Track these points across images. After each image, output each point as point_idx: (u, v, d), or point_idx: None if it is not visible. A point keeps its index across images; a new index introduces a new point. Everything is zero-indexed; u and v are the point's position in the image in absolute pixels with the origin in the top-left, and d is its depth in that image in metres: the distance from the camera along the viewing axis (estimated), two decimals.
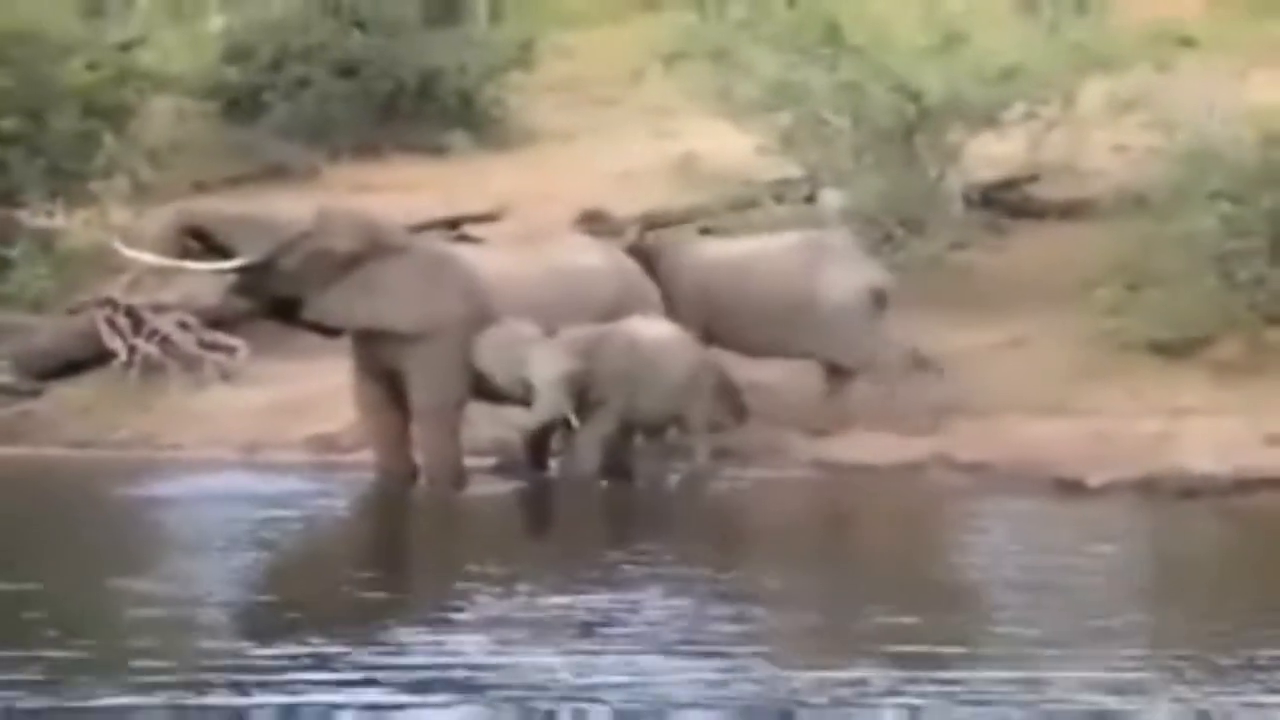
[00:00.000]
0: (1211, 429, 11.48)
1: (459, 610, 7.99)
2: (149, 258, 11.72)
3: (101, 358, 13.48)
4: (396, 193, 15.76)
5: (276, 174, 16.97)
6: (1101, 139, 14.27)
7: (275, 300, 11.66)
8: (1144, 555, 10.09)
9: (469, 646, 7.34)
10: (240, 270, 11.47)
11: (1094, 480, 11.21)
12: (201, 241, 11.50)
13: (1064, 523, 10.64)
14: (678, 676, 6.93)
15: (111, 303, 13.50)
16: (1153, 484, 11.18)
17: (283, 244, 11.39)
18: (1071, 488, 11.21)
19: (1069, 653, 7.32)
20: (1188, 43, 15.60)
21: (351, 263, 11.49)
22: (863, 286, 12.17)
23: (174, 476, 11.83)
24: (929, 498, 11.39)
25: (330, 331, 11.84)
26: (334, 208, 11.96)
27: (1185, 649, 7.30)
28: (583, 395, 11.38)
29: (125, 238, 13.34)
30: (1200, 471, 11.11)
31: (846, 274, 12.22)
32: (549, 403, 11.28)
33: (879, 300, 12.23)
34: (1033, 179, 14.78)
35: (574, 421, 11.32)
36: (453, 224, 14.71)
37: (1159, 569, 9.68)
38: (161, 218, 12.34)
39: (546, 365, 11.26)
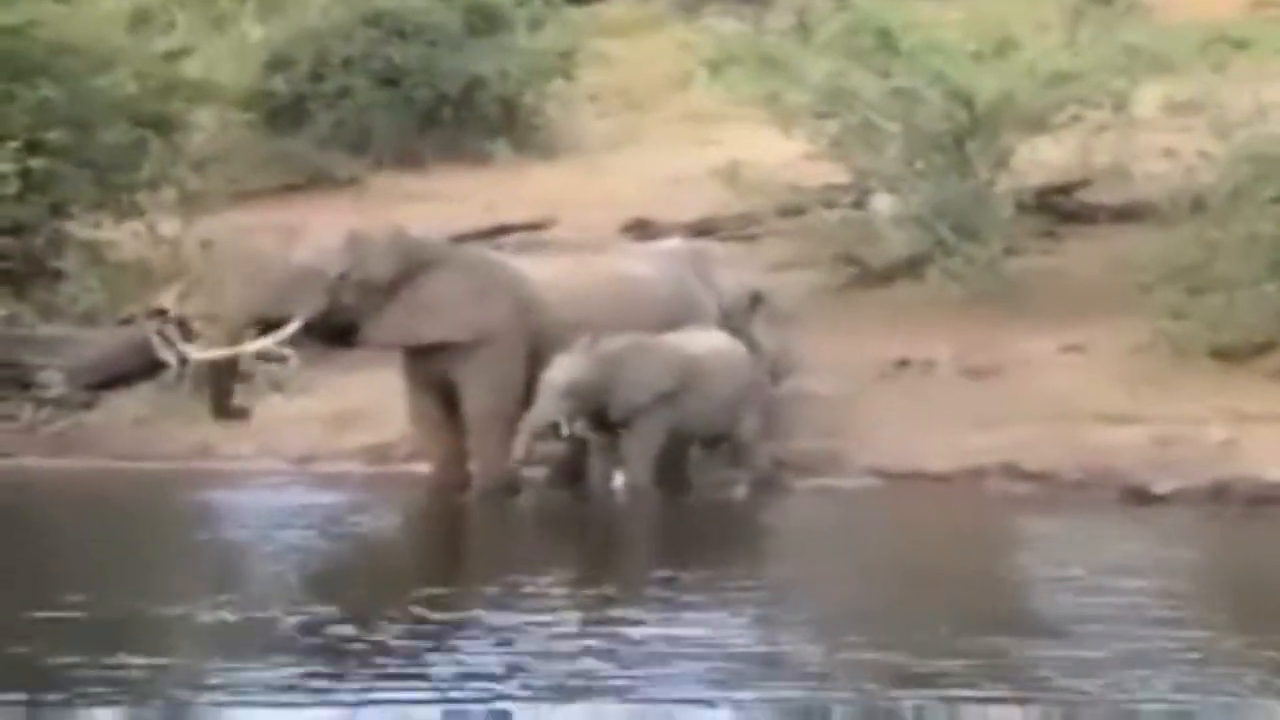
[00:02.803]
0: (1277, 436, 11.34)
1: (515, 631, 7.85)
2: (219, 353, 11.58)
3: (153, 369, 13.44)
4: (439, 202, 15.73)
5: (319, 183, 16.95)
6: (1153, 142, 14.18)
7: (335, 331, 11.56)
8: (1227, 566, 9.95)
9: (518, 666, 7.23)
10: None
11: (1161, 488, 11.09)
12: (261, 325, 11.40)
13: (1137, 533, 10.48)
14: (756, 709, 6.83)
15: (162, 314, 13.48)
16: (1221, 492, 11.05)
17: (328, 292, 11.26)
18: (1138, 496, 11.09)
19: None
20: (1240, 45, 15.49)
21: (395, 285, 11.38)
22: (736, 286, 12.33)
23: (228, 487, 11.80)
24: (995, 507, 11.24)
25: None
26: (363, 232, 11.60)
27: None
28: (601, 405, 11.25)
29: (172, 251, 13.36)
30: (1269, 479, 10.97)
31: (724, 275, 12.41)
32: (541, 407, 11.16)
33: (756, 301, 12.36)
34: (1086, 183, 14.69)
35: (563, 429, 11.19)
36: (499, 233, 14.66)
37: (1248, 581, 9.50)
38: (223, 320, 11.91)
39: (555, 371, 11.17)
